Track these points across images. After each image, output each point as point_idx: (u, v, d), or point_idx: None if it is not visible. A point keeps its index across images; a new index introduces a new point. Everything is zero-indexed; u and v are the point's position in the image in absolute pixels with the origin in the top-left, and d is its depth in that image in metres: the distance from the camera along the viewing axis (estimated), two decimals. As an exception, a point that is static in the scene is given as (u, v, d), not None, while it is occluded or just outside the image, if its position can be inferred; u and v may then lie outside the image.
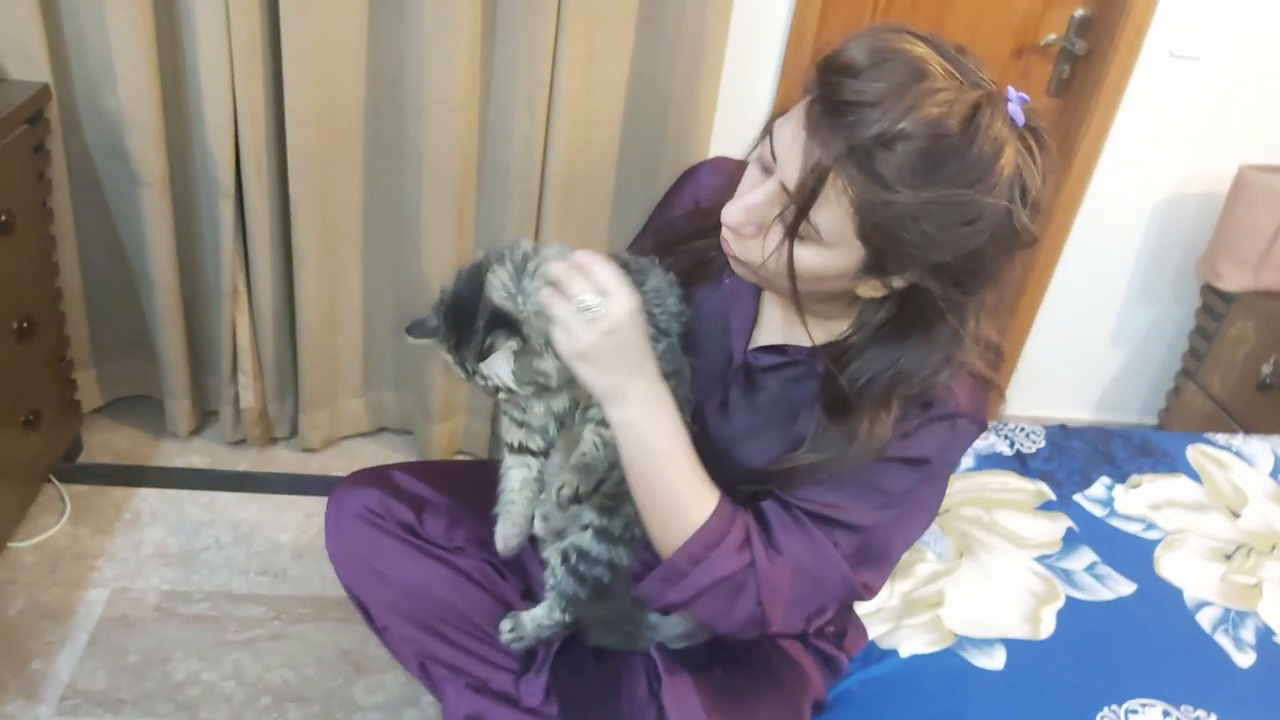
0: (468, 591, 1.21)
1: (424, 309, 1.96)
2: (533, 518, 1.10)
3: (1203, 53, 2.24)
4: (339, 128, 1.81)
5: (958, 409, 0.95)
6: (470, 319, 0.95)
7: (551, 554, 1.11)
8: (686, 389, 1.05)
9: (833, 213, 0.84)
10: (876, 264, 0.87)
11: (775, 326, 1.06)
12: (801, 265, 0.88)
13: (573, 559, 1.10)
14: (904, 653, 1.27)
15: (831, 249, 0.87)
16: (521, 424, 1.07)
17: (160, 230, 1.84)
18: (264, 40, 1.71)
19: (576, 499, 1.00)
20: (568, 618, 1.12)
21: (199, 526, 1.97)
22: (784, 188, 0.86)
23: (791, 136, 0.85)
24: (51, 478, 1.99)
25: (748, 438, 1.04)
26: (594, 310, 0.91)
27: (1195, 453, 1.74)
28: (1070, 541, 1.49)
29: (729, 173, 1.04)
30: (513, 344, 0.95)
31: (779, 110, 0.91)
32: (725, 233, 0.94)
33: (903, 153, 0.79)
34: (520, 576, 1.26)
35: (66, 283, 1.92)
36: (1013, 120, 0.83)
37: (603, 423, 0.99)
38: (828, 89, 0.82)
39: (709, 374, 1.07)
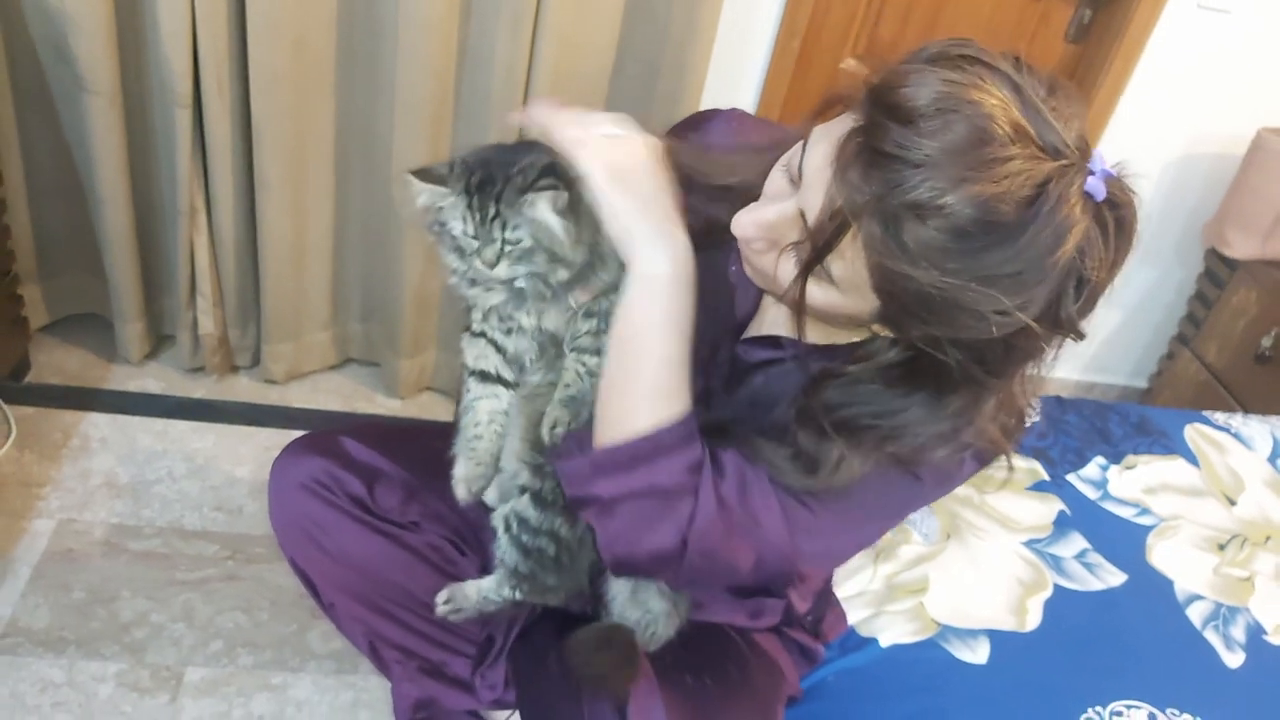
0: (421, 571, 1.13)
1: (394, 242, 1.89)
2: (498, 458, 1.01)
3: (1234, 5, 2.12)
4: (306, 43, 1.66)
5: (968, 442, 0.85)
6: (505, 166, 0.87)
7: (497, 521, 1.03)
8: None
9: (849, 262, 0.75)
10: (890, 319, 0.78)
11: (776, 318, 0.97)
12: (809, 299, 0.79)
13: (514, 527, 1.02)
14: (884, 642, 1.21)
15: (844, 294, 0.78)
16: (500, 348, 0.97)
17: (110, 142, 1.71)
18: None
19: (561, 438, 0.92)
20: (517, 595, 1.05)
21: (151, 456, 1.88)
22: (802, 216, 0.77)
23: (821, 163, 0.75)
24: (-4, 397, 1.89)
25: (728, 422, 0.96)
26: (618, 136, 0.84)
27: (1193, 433, 1.68)
28: (1061, 525, 1.43)
29: (745, 134, 0.93)
30: (563, 195, 0.85)
31: (827, 103, 0.79)
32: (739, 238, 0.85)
33: (936, 229, 0.69)
34: (480, 552, 1.18)
35: (10, 192, 1.79)
36: (1089, 196, 0.71)
37: (587, 351, 0.91)
38: (872, 131, 0.71)
39: (702, 352, 0.98)
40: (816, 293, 0.78)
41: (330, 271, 1.98)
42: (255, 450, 1.94)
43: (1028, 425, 0.88)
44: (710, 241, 0.96)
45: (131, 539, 1.73)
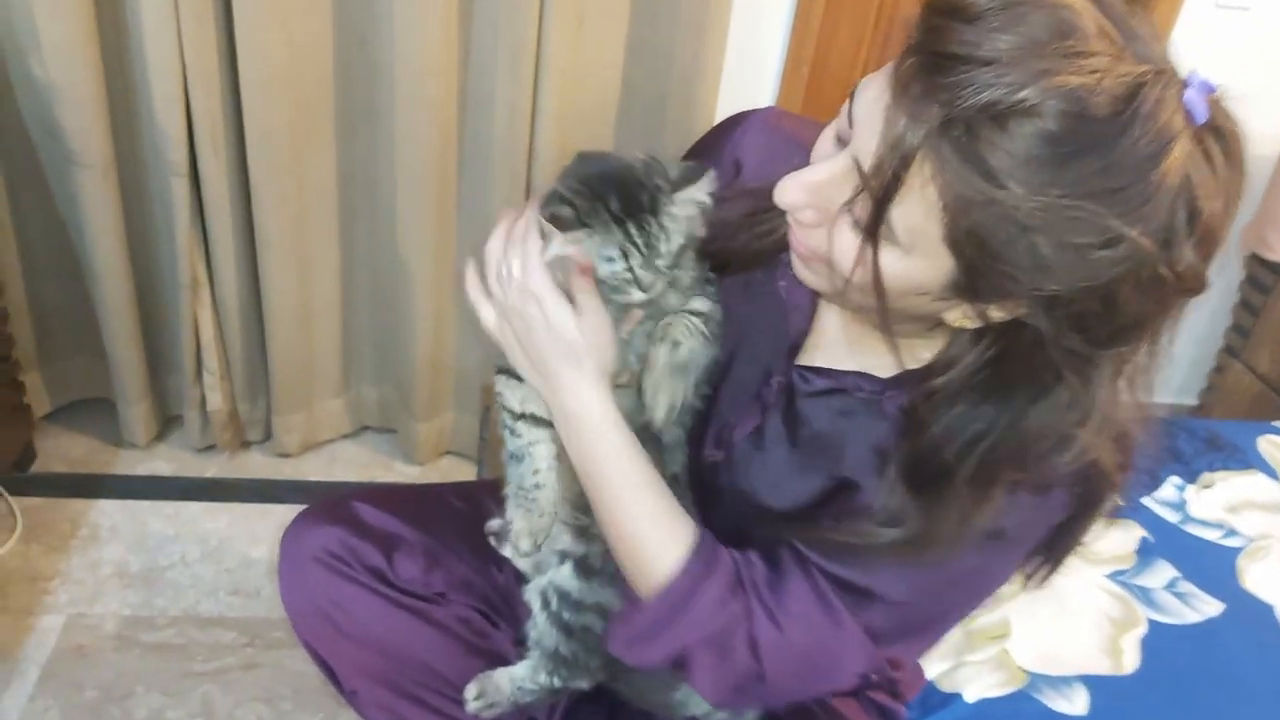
0: (451, 649, 1.02)
1: (404, 300, 1.81)
2: (555, 513, 0.91)
3: (1253, 3, 2.05)
4: (302, 96, 1.61)
5: (1054, 473, 0.74)
6: (629, 173, 0.80)
7: (532, 597, 0.93)
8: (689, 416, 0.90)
9: (915, 207, 0.64)
10: (968, 283, 0.66)
11: (831, 343, 0.87)
12: (873, 275, 0.69)
13: (553, 603, 0.92)
14: (970, 697, 1.09)
15: (909, 256, 0.67)
16: None
17: (105, 216, 1.65)
18: (214, 6, 1.50)
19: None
20: (555, 681, 0.93)
21: (163, 542, 1.79)
22: (858, 166, 0.66)
23: (874, 98, 0.65)
24: (0, 489, 1.80)
25: (781, 478, 0.86)
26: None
27: (1267, 445, 1.57)
28: (1145, 554, 1.32)
29: (783, 132, 0.85)
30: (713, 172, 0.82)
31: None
32: (789, 219, 0.75)
33: (1021, 134, 0.58)
34: (514, 623, 1.07)
35: (6, 275, 1.73)
36: (1189, 113, 0.61)
37: (697, 314, 0.87)
38: (930, 36, 0.61)
39: (740, 392, 0.88)
40: (882, 263, 0.68)
41: (339, 332, 1.90)
42: (271, 528, 1.84)
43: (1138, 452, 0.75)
44: (744, 262, 0.88)
45: (145, 630, 1.63)
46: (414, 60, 1.55)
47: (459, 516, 0.99)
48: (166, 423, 1.99)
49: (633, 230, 0.76)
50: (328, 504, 1.08)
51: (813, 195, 0.71)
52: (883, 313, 0.70)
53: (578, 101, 1.65)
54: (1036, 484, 0.74)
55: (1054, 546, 0.80)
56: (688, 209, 0.80)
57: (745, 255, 0.87)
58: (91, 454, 1.94)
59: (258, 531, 1.83)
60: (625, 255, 0.76)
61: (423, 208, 1.70)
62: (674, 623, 0.80)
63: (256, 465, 1.99)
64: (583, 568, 0.90)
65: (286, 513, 1.87)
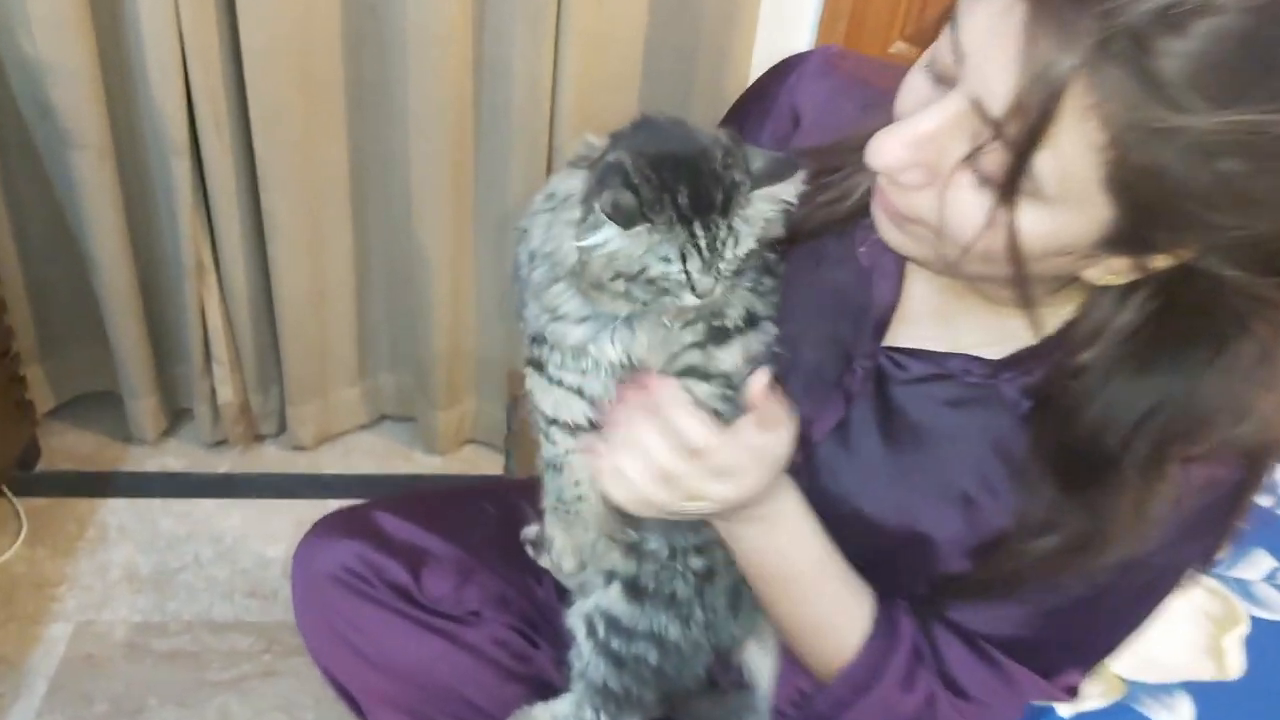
0: (486, 675, 0.91)
1: (421, 281, 1.71)
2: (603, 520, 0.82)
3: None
4: (309, 68, 1.50)
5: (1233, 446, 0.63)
6: (702, 163, 0.68)
7: (575, 623, 0.84)
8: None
9: (1068, 149, 0.52)
10: (1132, 233, 0.55)
11: (921, 318, 0.76)
12: (1006, 239, 0.58)
13: (599, 631, 0.82)
14: (1065, 711, 0.99)
15: (1054, 210, 0.55)
16: (582, 392, 0.79)
17: (103, 199, 1.55)
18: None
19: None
20: (603, 719, 0.84)
21: (174, 542, 1.71)
22: (979, 109, 0.55)
23: (994, 20, 0.53)
24: (4, 490, 1.72)
25: (876, 481, 0.76)
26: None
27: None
28: (1239, 543, 1.21)
29: (848, 75, 0.74)
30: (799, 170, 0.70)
31: None
32: (879, 179, 0.64)
33: (1204, 39, 0.47)
34: (556, 642, 0.96)
35: (3, 265, 1.64)
36: None
37: (697, 373, 0.76)
38: None
39: (814, 381, 0.78)
40: (1020, 223, 0.57)
41: (354, 318, 1.81)
42: (288, 525, 1.76)
43: None
44: (811, 228, 0.77)
45: (157, 637, 1.55)
46: (427, 28, 1.45)
47: (491, 523, 0.89)
48: (176, 417, 1.90)
49: (698, 231, 0.66)
50: (344, 515, 0.99)
51: (920, 151, 0.59)
52: (1022, 283, 0.59)
53: (601, 66, 1.54)
54: (1210, 459, 0.64)
55: (1218, 533, 0.70)
56: (766, 210, 0.69)
57: (811, 226, 0.76)
58: (98, 450, 1.86)
59: (274, 529, 1.75)
60: (684, 258, 0.66)
61: (439, 184, 1.60)
62: (857, 703, 0.75)
63: (271, 459, 1.90)
64: (633, 590, 0.80)
65: (303, 508, 1.80)
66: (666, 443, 0.68)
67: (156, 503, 1.77)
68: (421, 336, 1.77)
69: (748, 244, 0.68)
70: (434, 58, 1.47)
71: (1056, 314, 0.67)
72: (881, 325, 0.77)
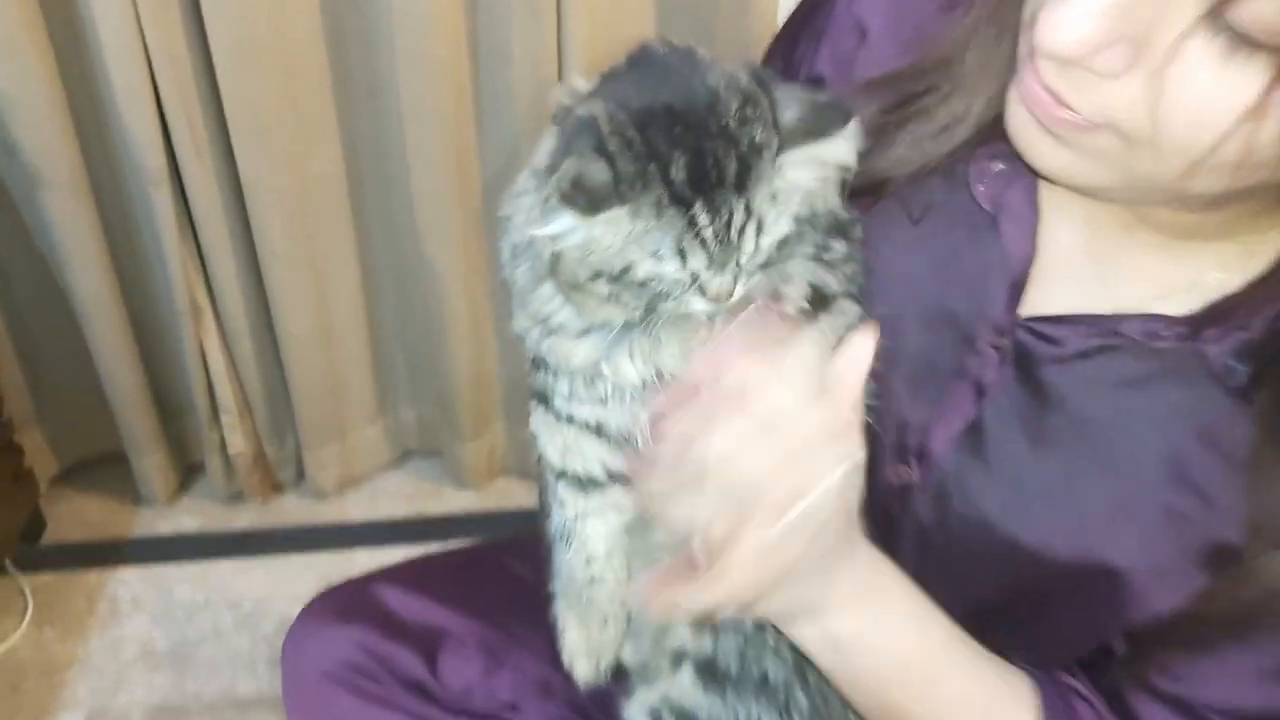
0: None
1: (434, 300, 1.55)
2: (628, 616, 0.64)
3: None
4: (289, 71, 1.36)
5: None
6: (711, 122, 0.50)
7: (636, 716, 0.66)
8: None
9: None
10: None
11: (1072, 271, 0.59)
12: (1217, 122, 0.42)
13: None
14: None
15: None
16: (598, 428, 0.61)
17: (83, 241, 1.42)
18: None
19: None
20: None
21: (192, 611, 1.56)
22: None
23: None
24: (8, 566, 1.59)
25: (1034, 500, 0.58)
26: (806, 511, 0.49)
27: None
28: None
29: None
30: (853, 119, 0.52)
31: None
32: (1041, 73, 0.48)
33: None
34: (618, 732, 0.78)
35: (-13, 323, 1.52)
36: None
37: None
38: None
39: (923, 373, 0.61)
40: (1226, 97, 0.41)
41: (366, 348, 1.66)
42: (314, 582, 1.56)
43: None
44: (918, 179, 0.61)
45: None
46: (414, 12, 1.30)
47: (523, 590, 0.71)
48: (187, 472, 1.76)
49: (700, 216, 0.49)
50: (339, 593, 0.82)
51: (1124, 19, 0.43)
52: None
53: (610, 35, 1.38)
54: None
55: None
56: (806, 179, 0.51)
57: (901, 170, 0.59)
58: (108, 515, 1.72)
59: (298, 587, 1.59)
60: (683, 255, 0.50)
61: (442, 187, 1.45)
62: None
63: (292, 510, 1.75)
64: (710, 674, 0.62)
65: (329, 561, 1.64)
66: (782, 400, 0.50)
67: (171, 568, 1.63)
68: (440, 361, 1.62)
69: (781, 228, 0.51)
70: (424, 45, 1.33)
71: (1264, 241, 0.50)
72: (1017, 288, 0.59)
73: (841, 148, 0.51)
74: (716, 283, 0.50)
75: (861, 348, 0.52)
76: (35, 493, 1.65)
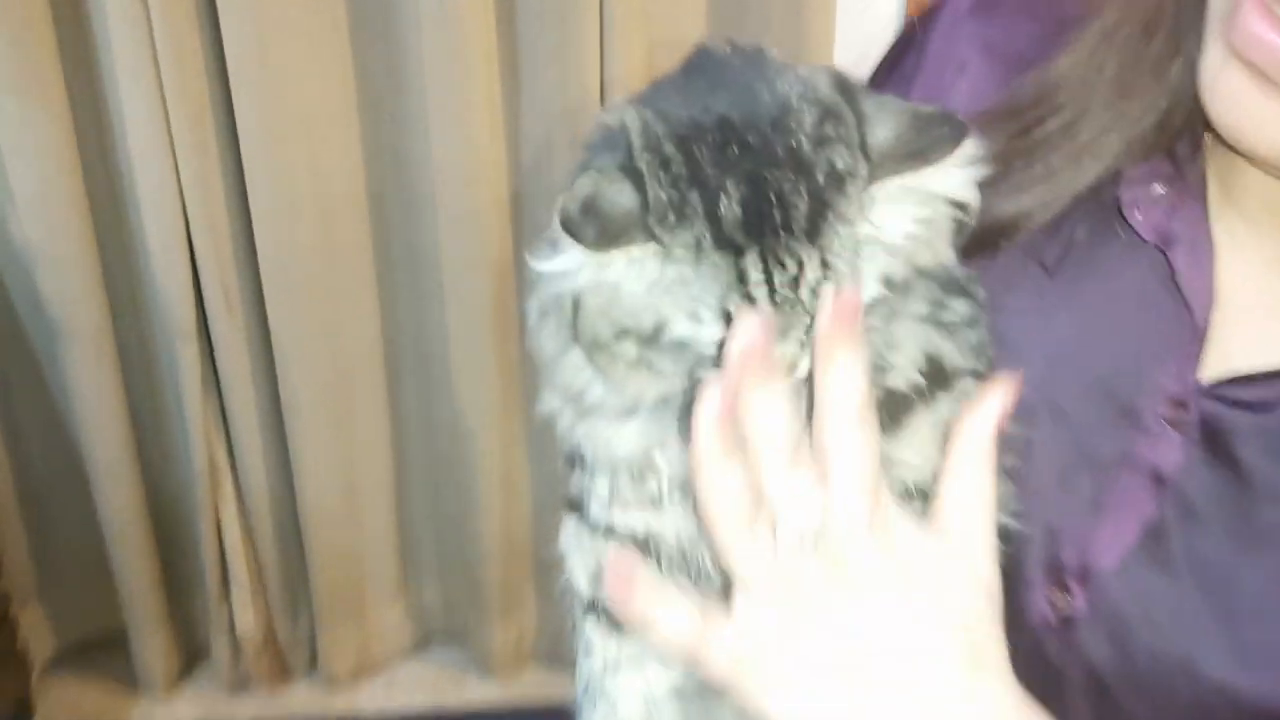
0: None
1: (467, 468, 1.46)
2: None
3: None
4: (327, 228, 1.34)
5: None
6: (792, 165, 0.39)
7: None
8: None
9: None
10: None
11: (1261, 320, 0.48)
12: None
13: None
14: None
15: None
16: (647, 542, 0.47)
17: (102, 398, 1.36)
18: (216, 121, 1.26)
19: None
20: None
21: (181, 813, 1.39)
22: None
23: None
24: (-14, 766, 1.44)
25: (1245, 623, 0.45)
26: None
27: None
28: None
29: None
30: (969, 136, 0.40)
31: None
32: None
33: None
34: None
35: (-5, 487, 1.44)
36: None
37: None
38: None
39: (1075, 465, 0.50)
40: None
41: (392, 519, 1.55)
42: (319, 781, 1.43)
43: None
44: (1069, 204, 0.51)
45: None
46: (456, 172, 1.28)
47: None
48: (191, 656, 1.62)
49: (752, 270, 0.38)
50: None
51: None
52: None
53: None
54: None
55: None
56: (906, 221, 0.40)
57: (1027, 219, 0.50)
58: (102, 704, 1.58)
59: (302, 789, 1.42)
60: (729, 320, 0.39)
61: (481, 353, 1.39)
62: None
63: (301, 701, 1.59)
64: None
65: (334, 758, 1.48)
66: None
67: (164, 766, 1.47)
68: (470, 529, 1.51)
69: (870, 288, 0.40)
70: (467, 208, 1.30)
71: None
72: (1197, 342, 0.48)
73: (954, 177, 0.40)
74: (785, 354, 0.40)
75: (982, 425, 0.41)
76: (26, 676, 1.53)
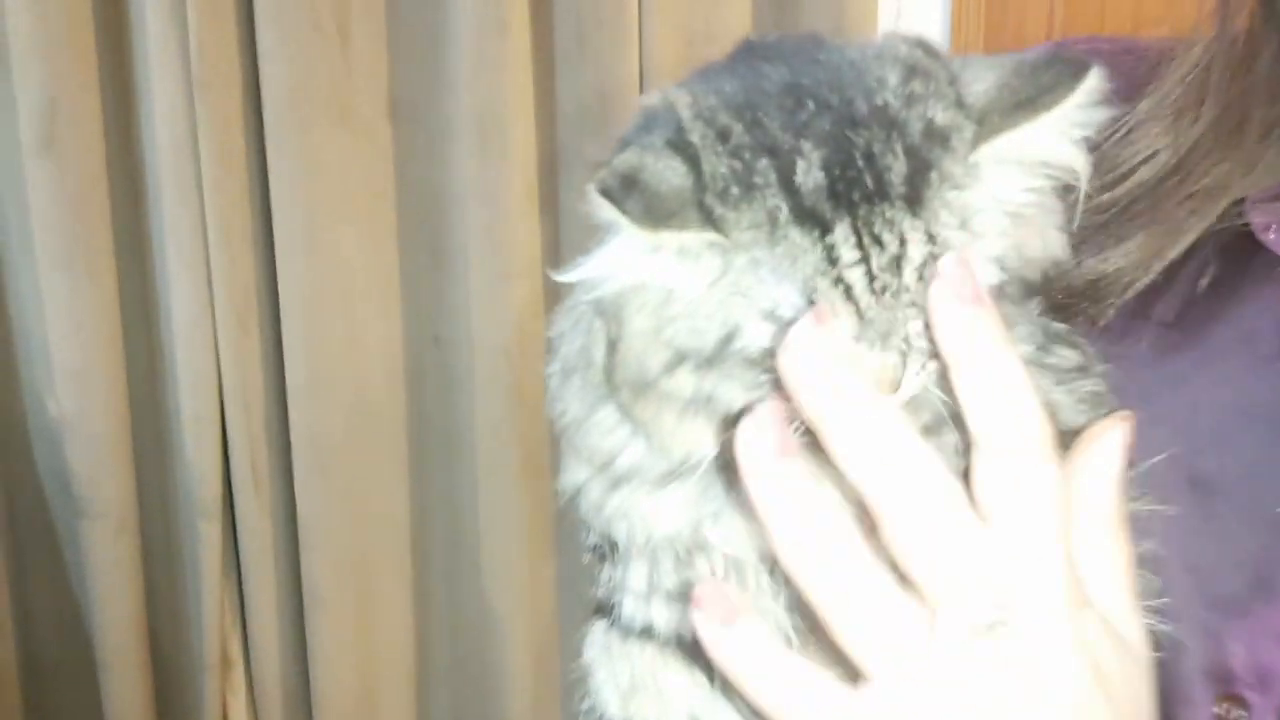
0: None
1: (494, 662, 1.37)
2: None
3: None
4: (362, 407, 1.31)
5: None
6: (880, 119, 0.31)
7: None
8: None
9: None
10: None
11: None
12: None
13: None
14: None
15: None
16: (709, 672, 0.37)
17: (119, 579, 1.31)
18: (259, 298, 1.26)
19: None
20: None
21: None
22: None
23: None
24: None
25: None
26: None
27: None
28: None
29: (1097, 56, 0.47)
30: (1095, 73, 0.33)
31: None
32: None
33: None
34: None
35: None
36: None
37: None
38: None
39: (1225, 531, 0.42)
40: None
41: (411, 714, 1.45)
42: None
43: None
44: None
45: None
46: (495, 356, 1.27)
47: None
48: None
49: (843, 246, 0.31)
50: None
51: None
52: None
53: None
54: None
55: None
56: (1019, 187, 0.33)
57: (1137, 272, 0.44)
58: None
59: None
60: (798, 296, 0.32)
61: (515, 539, 1.33)
62: None
63: None
64: None
65: None
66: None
67: None
68: (494, 727, 1.40)
69: (986, 273, 0.32)
70: (504, 384, 1.28)
71: None
72: None
73: (1075, 114, 0.32)
74: (871, 364, 0.32)
75: (1108, 471, 0.33)
76: None
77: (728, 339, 0.32)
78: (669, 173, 0.31)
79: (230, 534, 1.32)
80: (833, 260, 0.31)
